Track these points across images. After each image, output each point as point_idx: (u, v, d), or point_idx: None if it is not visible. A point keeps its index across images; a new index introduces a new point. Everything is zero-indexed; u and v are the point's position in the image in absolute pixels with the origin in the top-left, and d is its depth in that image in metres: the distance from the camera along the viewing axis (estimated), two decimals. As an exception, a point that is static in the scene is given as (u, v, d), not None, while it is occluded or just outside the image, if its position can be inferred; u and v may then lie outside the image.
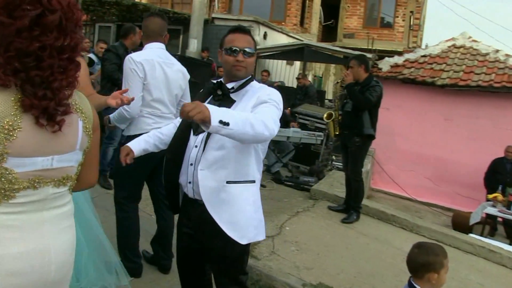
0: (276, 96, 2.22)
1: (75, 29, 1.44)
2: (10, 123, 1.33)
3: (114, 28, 15.32)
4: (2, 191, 1.38)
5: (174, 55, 7.68)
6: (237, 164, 2.19)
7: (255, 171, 2.29)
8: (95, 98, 2.64)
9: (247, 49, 2.27)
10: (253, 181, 2.28)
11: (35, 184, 1.44)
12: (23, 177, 1.40)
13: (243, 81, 2.31)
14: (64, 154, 1.50)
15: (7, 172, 1.37)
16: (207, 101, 2.29)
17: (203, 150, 2.19)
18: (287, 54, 13.17)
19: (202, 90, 2.42)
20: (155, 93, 3.26)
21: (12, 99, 1.35)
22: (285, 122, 7.72)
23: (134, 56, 3.21)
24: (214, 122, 1.77)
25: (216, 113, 1.79)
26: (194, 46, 12.04)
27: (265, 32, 13.63)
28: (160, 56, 3.32)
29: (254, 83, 2.36)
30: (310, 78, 17.56)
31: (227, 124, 1.80)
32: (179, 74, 3.43)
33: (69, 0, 1.43)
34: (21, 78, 1.35)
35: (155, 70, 3.23)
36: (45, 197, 1.48)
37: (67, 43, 1.41)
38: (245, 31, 2.34)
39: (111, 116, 3.31)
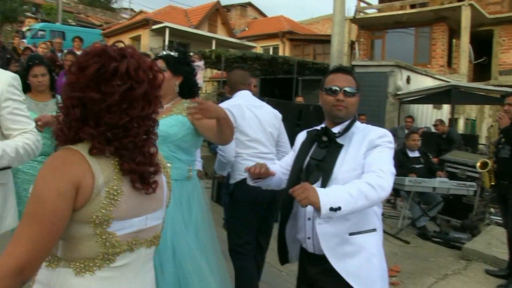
0: (387, 137, 2.15)
1: (156, 94, 1.44)
2: (115, 187, 1.34)
3: (258, 82, 16.02)
4: (106, 256, 1.36)
5: (309, 105, 7.63)
6: (358, 213, 2.06)
7: (375, 218, 2.18)
8: None
9: (347, 89, 2.20)
10: (374, 230, 2.16)
11: (132, 246, 1.43)
12: (123, 240, 1.39)
13: (348, 123, 2.23)
14: (155, 212, 1.50)
15: (111, 236, 1.36)
16: (312, 149, 2.25)
17: None
18: (433, 97, 12.36)
19: (305, 138, 2.36)
20: (250, 133, 3.35)
21: (113, 162, 1.36)
22: (430, 171, 7.03)
23: (222, 104, 3.32)
24: (325, 210, 1.78)
25: (326, 198, 1.79)
26: (333, 95, 11.93)
27: (408, 76, 13.02)
28: (247, 100, 3.47)
29: (358, 124, 2.27)
30: (461, 121, 16.26)
31: (338, 209, 1.79)
32: (270, 115, 3.55)
33: (150, 64, 1.42)
34: (115, 146, 1.35)
35: (244, 112, 3.36)
36: (138, 258, 1.47)
37: (151, 110, 1.42)
38: (346, 71, 2.29)
39: (214, 167, 3.46)
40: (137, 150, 1.39)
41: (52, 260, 1.38)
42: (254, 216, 3.37)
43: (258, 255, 3.56)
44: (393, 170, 2.04)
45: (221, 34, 25.64)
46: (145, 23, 23.65)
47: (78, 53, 9.68)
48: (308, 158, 2.24)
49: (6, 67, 8.13)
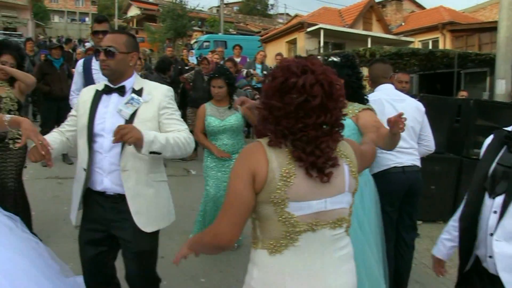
0: None
1: (336, 105, 1.63)
2: (287, 171, 1.59)
3: (416, 78, 15.37)
4: (288, 234, 1.61)
5: (469, 100, 7.11)
6: None
7: None
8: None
9: None
10: None
11: (313, 227, 1.63)
12: (302, 220, 1.61)
13: None
14: (335, 196, 1.66)
15: (289, 216, 1.60)
16: (499, 154, 1.97)
17: (500, 217, 1.87)
18: None
19: (491, 140, 2.09)
20: None
21: (286, 150, 1.62)
22: None
23: None
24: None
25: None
26: (501, 88, 10.84)
27: None
28: (388, 94, 3.53)
29: None
30: None
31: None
32: (412, 108, 3.52)
33: (330, 79, 1.62)
34: (290, 139, 1.61)
35: (384, 107, 3.38)
36: (323, 239, 1.65)
37: (327, 119, 1.60)
38: None
39: None
40: (312, 144, 1.59)
41: (255, 242, 1.71)
42: (391, 207, 3.40)
43: (405, 252, 3.53)
44: None
45: (377, 31, 25.10)
46: (300, 26, 24.24)
47: (237, 60, 10.45)
48: (494, 164, 1.97)
49: (177, 77, 9.11)
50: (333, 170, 1.62)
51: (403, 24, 27.41)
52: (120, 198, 2.47)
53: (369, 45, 21.17)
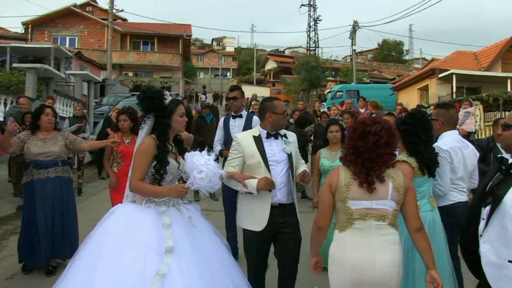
0: None
1: (394, 142, 2.71)
2: (348, 181, 2.68)
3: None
4: (348, 220, 2.67)
5: None
6: None
7: None
8: None
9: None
10: None
11: (364, 217, 2.66)
12: (356, 212, 2.66)
13: None
14: (379, 200, 2.65)
15: (348, 208, 2.67)
16: (496, 174, 2.45)
17: (486, 224, 2.31)
18: None
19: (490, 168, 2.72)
20: (459, 173, 3.90)
21: (351, 172, 2.70)
22: None
23: (440, 144, 3.90)
24: None
25: None
26: None
27: None
28: (457, 141, 3.98)
29: None
30: None
31: None
32: (471, 154, 4.03)
33: (390, 126, 2.71)
34: (357, 164, 2.66)
35: (457, 154, 3.89)
36: (371, 226, 2.65)
37: (389, 150, 2.68)
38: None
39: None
40: (365, 169, 2.61)
41: (337, 225, 2.77)
42: (453, 238, 3.74)
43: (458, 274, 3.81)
44: None
45: (518, 72, 23.56)
46: (432, 72, 23.93)
47: (362, 110, 11.23)
48: (490, 182, 2.43)
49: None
50: (379, 185, 2.61)
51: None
52: (285, 206, 3.61)
53: (508, 88, 20.23)
